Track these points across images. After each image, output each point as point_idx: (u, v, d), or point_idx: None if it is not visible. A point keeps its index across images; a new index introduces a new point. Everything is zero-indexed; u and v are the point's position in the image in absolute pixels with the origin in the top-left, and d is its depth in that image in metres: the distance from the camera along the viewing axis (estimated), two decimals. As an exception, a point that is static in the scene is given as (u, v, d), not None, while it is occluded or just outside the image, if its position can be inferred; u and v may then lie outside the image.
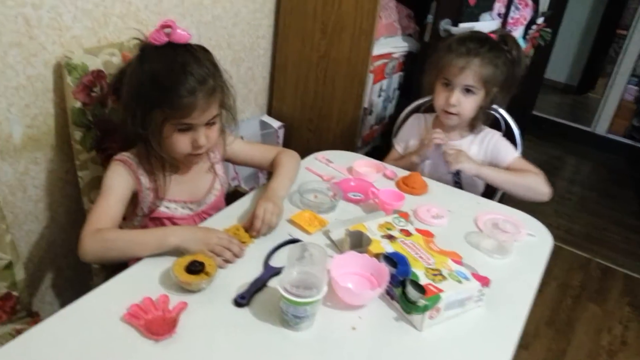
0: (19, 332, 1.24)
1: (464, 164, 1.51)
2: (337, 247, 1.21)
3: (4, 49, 1.25)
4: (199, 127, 1.18)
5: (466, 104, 1.54)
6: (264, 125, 2.23)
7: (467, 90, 1.52)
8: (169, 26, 1.14)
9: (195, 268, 1.01)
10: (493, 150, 1.61)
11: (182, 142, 1.19)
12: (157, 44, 1.15)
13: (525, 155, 1.66)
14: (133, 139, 1.23)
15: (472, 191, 1.59)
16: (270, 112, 2.31)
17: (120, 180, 1.22)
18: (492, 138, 1.63)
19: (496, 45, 1.52)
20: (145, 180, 1.25)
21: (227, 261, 1.10)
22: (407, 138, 1.75)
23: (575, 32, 4.51)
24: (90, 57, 1.35)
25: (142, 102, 1.15)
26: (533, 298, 1.13)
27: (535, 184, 1.52)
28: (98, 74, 1.37)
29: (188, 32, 1.16)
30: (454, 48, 1.51)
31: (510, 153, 1.60)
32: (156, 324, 0.93)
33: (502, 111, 1.77)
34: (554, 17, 2.81)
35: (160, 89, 1.12)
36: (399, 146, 1.76)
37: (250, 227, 1.20)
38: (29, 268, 1.51)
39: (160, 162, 1.25)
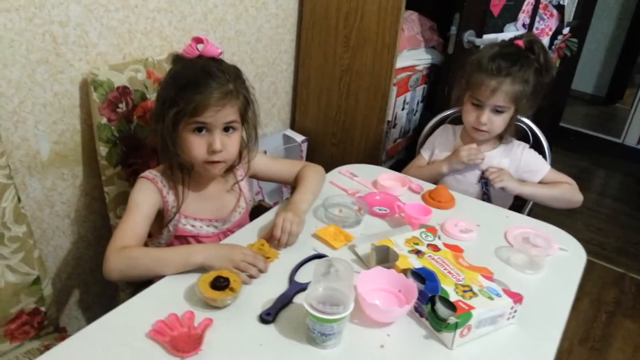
0: (46, 347, 1.25)
1: (507, 183, 1.52)
2: (363, 262, 1.18)
3: (32, 66, 1.27)
4: (214, 131, 1.17)
5: (497, 122, 1.53)
6: (287, 139, 2.23)
7: (497, 109, 1.51)
8: (201, 41, 1.18)
9: (220, 284, 1.00)
10: (526, 165, 1.61)
11: (197, 145, 1.17)
12: (189, 57, 1.18)
13: (553, 167, 1.64)
14: (160, 152, 1.24)
15: (501, 202, 1.57)
16: (293, 126, 2.31)
17: (146, 197, 1.22)
18: (523, 151, 1.62)
19: (526, 59, 1.49)
20: (170, 198, 1.25)
21: (252, 276, 1.09)
22: (433, 147, 1.73)
23: (602, 42, 4.43)
24: (115, 74, 1.36)
25: (162, 102, 1.17)
26: (567, 316, 1.08)
27: (571, 195, 1.57)
28: (123, 90, 1.38)
29: (219, 47, 1.19)
30: (484, 67, 1.48)
31: (542, 167, 1.61)
32: (181, 340, 0.91)
33: (530, 123, 1.74)
34: (580, 27, 2.77)
35: (178, 86, 1.14)
36: (425, 153, 1.74)
37: (271, 238, 1.19)
38: (57, 283, 1.52)
39: (182, 175, 1.25)
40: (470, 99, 1.54)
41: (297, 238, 1.22)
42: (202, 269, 1.07)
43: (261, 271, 1.10)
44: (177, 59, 1.22)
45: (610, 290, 2.46)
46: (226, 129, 1.19)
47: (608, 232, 2.99)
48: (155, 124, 1.21)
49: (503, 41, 1.58)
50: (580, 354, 2.07)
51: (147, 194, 1.23)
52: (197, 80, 1.13)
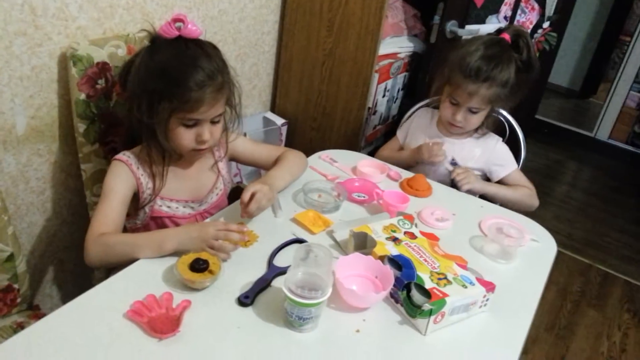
0: (19, 324, 1.24)
1: (473, 185, 1.55)
2: (341, 247, 1.20)
3: (10, 38, 1.23)
4: (204, 123, 1.17)
5: (472, 121, 1.57)
6: (267, 121, 2.22)
7: (473, 110, 1.54)
8: (180, 20, 1.13)
9: (199, 266, 1.01)
10: (496, 158, 1.65)
11: (186, 137, 1.18)
12: (167, 37, 1.14)
13: (527, 159, 1.70)
14: (136, 132, 1.22)
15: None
16: (273, 109, 2.30)
17: (120, 180, 1.21)
18: (496, 144, 1.66)
19: (508, 59, 1.49)
20: (145, 179, 1.24)
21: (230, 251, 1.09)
22: (409, 129, 1.76)
23: (579, 37, 4.50)
24: (95, 49, 1.33)
25: (150, 92, 1.14)
26: (537, 304, 1.12)
27: (529, 200, 1.62)
28: (103, 66, 1.35)
29: (199, 27, 1.16)
30: (464, 69, 1.47)
31: (511, 164, 1.65)
32: (160, 321, 0.92)
33: (507, 115, 1.77)
34: (560, 21, 2.81)
35: (170, 80, 1.11)
36: (400, 135, 1.78)
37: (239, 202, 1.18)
38: (31, 260, 1.50)
39: (161, 154, 1.24)
40: (449, 97, 1.55)
41: (261, 212, 1.20)
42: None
43: (236, 244, 1.10)
44: (157, 41, 1.17)
45: (577, 280, 2.55)
46: (213, 119, 1.19)
47: (576, 223, 3.07)
48: (136, 110, 1.17)
49: (490, 35, 1.57)
50: (545, 340, 2.15)
51: (122, 177, 1.22)
52: (189, 74, 1.11)
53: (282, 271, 1.07)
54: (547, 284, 1.20)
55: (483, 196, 1.61)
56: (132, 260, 1.09)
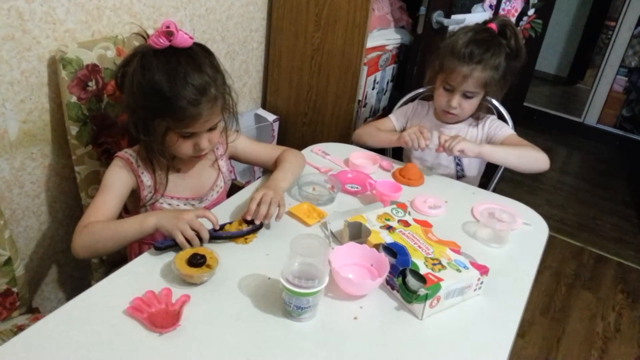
0: (19, 328, 1.24)
1: (463, 145, 1.45)
2: (337, 238, 1.22)
3: (-2, 43, 1.24)
4: (201, 133, 1.19)
5: (466, 106, 1.57)
6: (258, 118, 2.23)
7: (467, 94, 1.54)
8: (170, 29, 1.11)
9: (196, 261, 1.02)
10: (490, 129, 1.64)
11: (185, 147, 1.20)
12: (158, 48, 1.12)
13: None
14: (136, 138, 1.22)
15: (476, 171, 1.65)
16: (264, 106, 2.31)
17: (118, 177, 1.23)
18: (488, 119, 1.66)
19: (498, 45, 1.51)
20: (146, 178, 1.26)
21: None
22: (408, 117, 1.74)
23: (565, 23, 4.53)
24: (84, 51, 1.34)
25: (145, 110, 1.14)
26: (531, 286, 1.14)
27: (535, 153, 1.52)
28: (93, 68, 1.36)
29: (190, 35, 1.14)
30: (457, 53, 1.49)
31: (506, 129, 1.63)
32: (160, 317, 0.93)
33: (496, 103, 1.79)
34: (545, 8, 2.83)
35: (163, 99, 1.11)
36: (395, 119, 1.74)
37: (246, 213, 1.19)
38: (29, 264, 1.51)
39: (162, 161, 1.25)
40: (443, 83, 1.56)
41: (271, 217, 1.21)
42: (178, 248, 1.08)
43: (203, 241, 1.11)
44: (148, 54, 1.13)
45: (570, 264, 2.58)
46: (210, 128, 1.20)
47: (568, 208, 3.11)
48: (133, 127, 1.18)
49: (477, 25, 1.59)
50: (541, 323, 2.18)
51: (120, 174, 1.23)
52: (181, 93, 1.10)
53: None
54: (541, 268, 1.22)
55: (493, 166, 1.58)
56: (114, 248, 1.11)
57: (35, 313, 1.34)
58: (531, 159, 1.52)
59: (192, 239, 1.08)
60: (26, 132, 1.37)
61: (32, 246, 1.50)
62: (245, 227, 1.18)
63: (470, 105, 1.57)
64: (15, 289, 1.27)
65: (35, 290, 1.56)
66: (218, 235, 1.15)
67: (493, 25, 1.54)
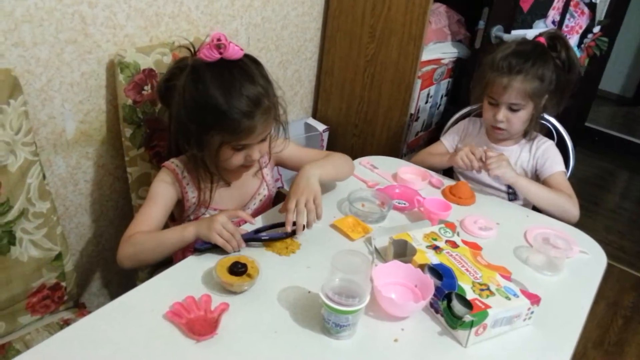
0: (66, 322, 1.28)
1: (504, 170, 1.42)
2: (380, 255, 1.18)
3: (61, 45, 1.28)
4: (253, 145, 1.19)
5: (514, 120, 1.50)
6: (308, 127, 2.23)
7: (513, 107, 1.48)
8: (221, 41, 1.10)
9: (237, 269, 1.01)
10: (542, 156, 1.57)
11: (236, 158, 1.20)
12: (209, 61, 1.13)
13: (576, 168, 1.60)
14: (183, 148, 1.23)
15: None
16: (315, 115, 2.31)
17: (164, 188, 1.24)
18: (543, 144, 1.59)
19: (542, 55, 1.46)
20: (191, 189, 1.27)
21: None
22: (459, 138, 1.71)
23: (631, 43, 4.32)
24: (142, 56, 1.37)
25: (198, 124, 1.15)
26: (585, 319, 1.07)
27: (567, 205, 1.45)
28: (149, 73, 1.39)
29: (240, 47, 1.14)
30: (496, 65, 1.47)
31: (556, 164, 1.55)
32: (198, 323, 0.93)
33: (555, 122, 1.71)
34: (611, 26, 2.70)
35: (218, 113, 1.11)
36: (446, 141, 1.72)
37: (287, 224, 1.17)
38: (78, 260, 1.55)
39: (209, 174, 1.25)
40: (487, 98, 1.52)
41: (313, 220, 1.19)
42: (220, 251, 1.09)
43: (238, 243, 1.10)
44: (199, 67, 1.13)
45: (628, 295, 2.43)
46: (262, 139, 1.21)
47: (628, 235, 2.94)
48: (177, 130, 1.18)
49: (523, 39, 1.56)
50: (593, 357, 2.05)
51: (166, 184, 1.25)
52: (236, 106, 1.10)
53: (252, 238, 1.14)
54: (596, 297, 1.15)
55: (513, 190, 1.53)
56: (158, 258, 1.12)
57: (81, 308, 1.38)
58: (560, 209, 1.44)
59: (229, 240, 1.09)
60: (83, 132, 1.41)
61: (82, 243, 1.55)
62: (289, 240, 1.17)
63: (518, 119, 1.50)
64: (64, 284, 1.31)
65: (83, 286, 1.60)
66: (257, 237, 1.15)
67: (542, 39, 1.50)
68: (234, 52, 1.13)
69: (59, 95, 1.33)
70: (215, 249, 1.10)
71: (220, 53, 1.12)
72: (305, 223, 1.17)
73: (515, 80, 1.44)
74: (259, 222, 1.25)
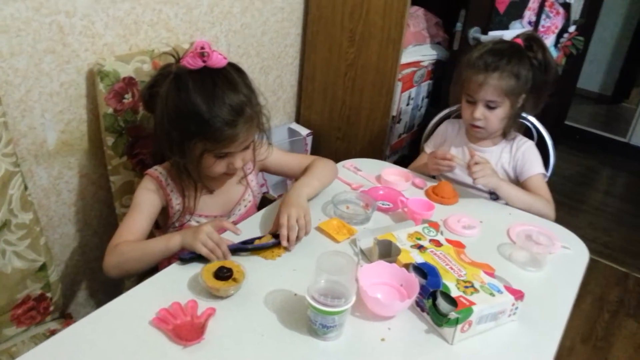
0: (52, 332, 1.27)
1: (488, 179, 1.44)
2: (366, 256, 1.19)
3: (39, 55, 1.28)
4: (236, 153, 1.19)
5: (491, 118, 1.52)
6: (292, 132, 2.24)
7: (490, 104, 1.50)
8: (204, 49, 1.11)
9: (223, 274, 1.01)
10: (521, 158, 1.59)
11: (218, 166, 1.20)
12: (192, 68, 1.13)
13: (558, 166, 1.61)
14: (166, 155, 1.23)
15: None
16: (298, 120, 2.31)
17: (148, 196, 1.24)
18: (523, 145, 1.60)
19: (517, 54, 1.48)
20: (175, 196, 1.27)
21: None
22: (439, 142, 1.73)
23: (609, 41, 4.39)
24: (121, 65, 1.37)
25: (181, 132, 1.15)
26: (569, 313, 1.09)
27: (544, 210, 1.47)
28: (129, 81, 1.39)
29: (224, 55, 1.14)
30: (472, 63, 1.49)
31: (535, 166, 1.58)
32: (185, 329, 0.92)
33: (534, 120, 1.74)
34: (587, 25, 2.75)
35: (201, 121, 1.11)
36: (429, 149, 1.73)
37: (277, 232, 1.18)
38: (63, 271, 1.54)
39: (192, 182, 1.25)
40: (465, 95, 1.54)
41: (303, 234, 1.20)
42: (205, 260, 1.08)
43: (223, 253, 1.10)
44: (182, 74, 1.13)
45: (614, 290, 2.46)
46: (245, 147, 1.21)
47: (612, 231, 2.98)
48: (161, 137, 1.18)
49: (500, 39, 1.59)
50: (582, 352, 2.08)
51: (150, 193, 1.24)
52: (221, 116, 1.10)
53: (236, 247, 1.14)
54: (582, 293, 1.17)
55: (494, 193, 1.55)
56: (144, 268, 1.12)
57: (67, 318, 1.37)
58: (538, 213, 1.46)
59: (213, 250, 1.08)
60: (64, 141, 1.40)
61: (67, 253, 1.54)
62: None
63: (495, 116, 1.51)
64: (49, 294, 1.30)
65: (69, 297, 1.59)
66: (243, 247, 1.14)
67: (519, 40, 1.52)
68: (217, 60, 1.13)
69: (38, 106, 1.32)
70: (200, 259, 1.09)
71: (204, 61, 1.12)
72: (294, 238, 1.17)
73: (492, 77, 1.46)
74: (243, 227, 1.25)
